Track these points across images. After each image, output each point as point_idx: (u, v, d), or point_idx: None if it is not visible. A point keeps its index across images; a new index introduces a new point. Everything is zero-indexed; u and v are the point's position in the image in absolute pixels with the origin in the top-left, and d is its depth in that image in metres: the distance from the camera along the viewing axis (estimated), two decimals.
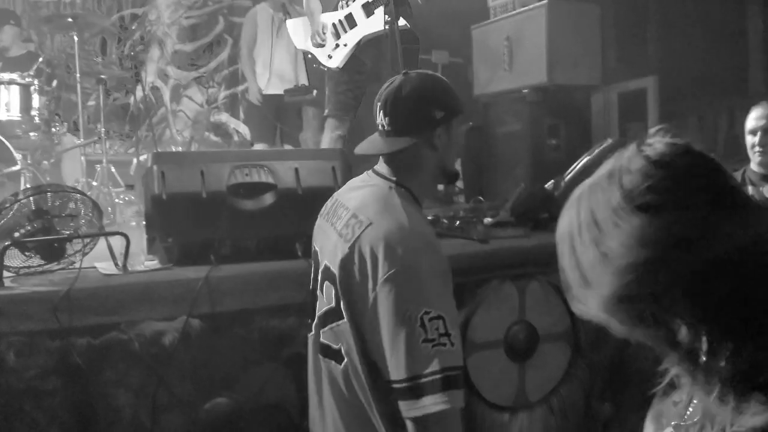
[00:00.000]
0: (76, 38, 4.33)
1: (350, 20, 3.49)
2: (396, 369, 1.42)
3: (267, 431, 2.19)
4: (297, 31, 3.82)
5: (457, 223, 3.10)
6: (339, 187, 2.36)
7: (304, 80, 4.61)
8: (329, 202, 1.75)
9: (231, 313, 2.11)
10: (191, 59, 5.93)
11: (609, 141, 3.13)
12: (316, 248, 1.72)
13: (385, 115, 1.62)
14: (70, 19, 4.38)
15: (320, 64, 3.64)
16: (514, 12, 3.93)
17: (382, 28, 3.48)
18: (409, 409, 1.40)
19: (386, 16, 3.41)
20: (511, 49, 3.88)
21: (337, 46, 3.56)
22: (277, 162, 2.36)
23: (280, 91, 4.63)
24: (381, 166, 1.68)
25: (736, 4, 6.21)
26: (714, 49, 6.21)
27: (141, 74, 5.19)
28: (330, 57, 3.58)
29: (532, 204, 3.07)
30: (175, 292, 2.08)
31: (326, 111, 3.70)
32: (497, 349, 2.46)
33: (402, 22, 3.54)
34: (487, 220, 3.18)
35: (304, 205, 2.31)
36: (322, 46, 3.58)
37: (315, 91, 4.43)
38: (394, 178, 1.64)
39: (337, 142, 3.62)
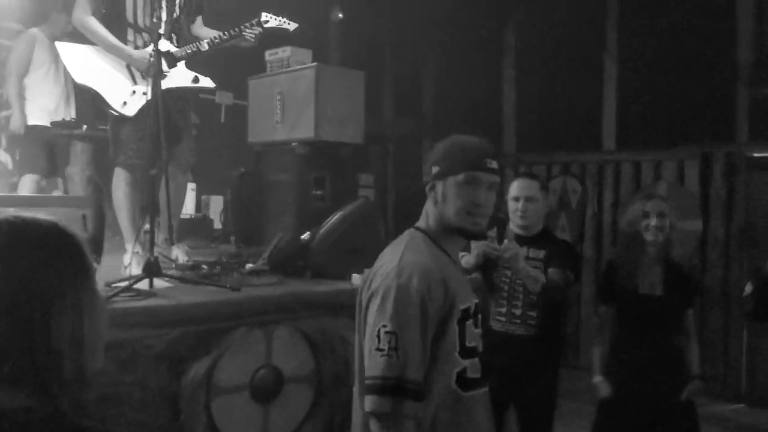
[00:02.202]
0: None
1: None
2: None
3: None
4: (77, 61, 3.44)
5: (217, 268, 3.23)
6: (89, 234, 2.40)
7: (73, 114, 4.47)
8: None
9: None
10: None
11: (361, 198, 3.45)
12: None
13: None
14: None
15: (111, 108, 3.37)
16: (287, 69, 4.17)
17: (189, 84, 3.48)
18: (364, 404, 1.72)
19: (194, 74, 3.44)
20: (283, 103, 4.11)
21: (134, 93, 3.38)
22: (24, 209, 2.34)
23: (48, 123, 4.45)
24: None
25: (494, 70, 7.04)
26: (474, 111, 6.97)
27: None
28: (125, 104, 3.36)
29: (289, 253, 3.29)
30: None
31: (119, 159, 3.45)
32: (242, 393, 2.61)
33: (210, 83, 3.56)
34: (249, 266, 3.35)
35: None
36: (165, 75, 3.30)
37: (85, 126, 4.33)
38: (417, 225, 1.92)
39: (134, 194, 3.44)
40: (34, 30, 4.74)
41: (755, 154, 5.55)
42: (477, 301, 1.86)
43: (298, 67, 4.08)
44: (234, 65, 4.74)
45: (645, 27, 5.90)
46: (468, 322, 1.80)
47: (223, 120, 6.24)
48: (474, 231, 1.87)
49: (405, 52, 7.53)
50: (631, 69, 6.12)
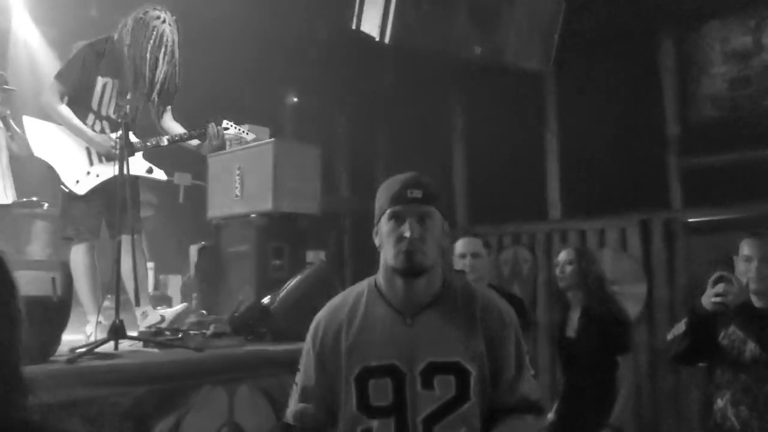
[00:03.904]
0: None
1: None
2: None
3: None
4: (39, 135, 3.61)
5: (180, 334, 3.31)
6: (58, 297, 2.51)
7: (12, 194, 4.55)
8: None
9: None
10: None
11: (317, 263, 3.61)
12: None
13: None
14: None
15: (63, 184, 3.54)
16: (246, 146, 4.38)
17: (142, 173, 3.68)
18: None
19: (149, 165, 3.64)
20: (242, 177, 4.29)
21: (89, 173, 3.57)
22: None
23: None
24: None
25: (444, 147, 7.37)
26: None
27: None
28: (78, 182, 3.54)
29: (250, 316, 3.40)
30: None
31: (70, 234, 3.59)
32: None
33: (163, 176, 3.77)
34: (211, 328, 3.44)
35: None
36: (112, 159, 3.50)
37: (46, 205, 4.44)
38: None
39: (93, 266, 3.57)
40: None
41: (690, 220, 5.91)
42: (427, 361, 1.72)
43: (257, 143, 4.29)
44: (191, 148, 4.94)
45: (582, 104, 6.32)
46: (374, 381, 1.74)
47: (181, 200, 6.38)
48: (404, 268, 1.74)
49: (359, 132, 7.85)
50: (571, 143, 6.51)
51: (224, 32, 5.26)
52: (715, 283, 2.53)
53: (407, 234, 1.74)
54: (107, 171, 3.53)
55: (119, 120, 3.29)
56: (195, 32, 4.11)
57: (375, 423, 1.73)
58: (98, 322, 3.32)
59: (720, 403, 2.69)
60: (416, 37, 4.02)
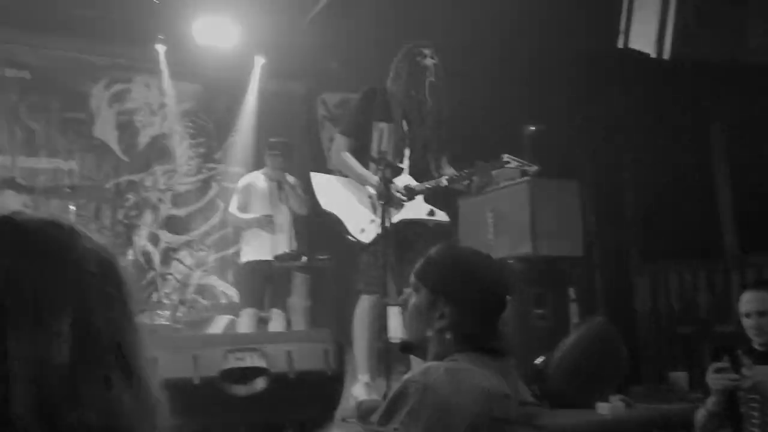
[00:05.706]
0: (72, 208, 4.46)
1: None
2: None
3: None
4: (325, 190, 3.71)
5: None
6: (332, 370, 2.37)
7: (294, 245, 4.70)
8: None
9: None
10: (184, 224, 6.08)
11: (597, 319, 3.19)
12: None
13: None
14: (68, 189, 4.54)
15: (349, 234, 3.55)
16: (497, 187, 4.10)
17: (424, 216, 3.62)
18: None
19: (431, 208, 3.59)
20: (496, 220, 4.01)
21: (372, 221, 3.53)
22: (270, 345, 2.37)
23: (270, 257, 4.70)
24: None
25: (701, 167, 6.53)
26: (685, 213, 6.46)
27: (132, 239, 5.33)
28: (363, 231, 3.53)
29: (524, 380, 3.07)
30: None
31: (360, 286, 3.58)
32: None
33: (445, 217, 3.71)
34: None
35: (296, 390, 2.31)
36: (402, 205, 3.54)
37: (305, 258, 4.50)
38: None
39: (374, 323, 3.44)
40: (255, 173, 5.12)
41: None
42: None
43: (509, 182, 4.00)
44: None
45: None
46: None
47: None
48: None
49: (601, 158, 7.26)
50: None
51: (469, 62, 5.10)
52: None
53: None
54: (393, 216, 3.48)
55: (382, 166, 3.22)
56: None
57: None
58: (365, 383, 3.19)
59: None
60: (701, 47, 3.49)
